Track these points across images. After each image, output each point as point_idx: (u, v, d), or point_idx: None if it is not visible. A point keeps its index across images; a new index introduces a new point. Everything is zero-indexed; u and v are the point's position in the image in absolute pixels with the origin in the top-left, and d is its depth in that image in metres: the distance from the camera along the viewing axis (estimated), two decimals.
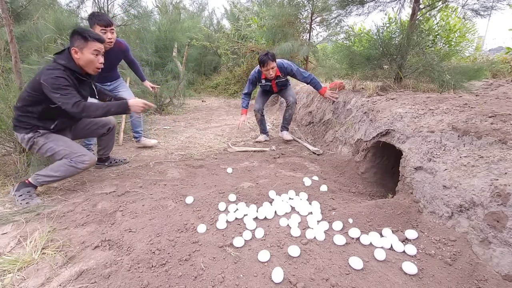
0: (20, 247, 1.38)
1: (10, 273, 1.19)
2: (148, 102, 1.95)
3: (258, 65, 3.03)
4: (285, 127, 3.48)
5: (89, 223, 1.59)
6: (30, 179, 1.87)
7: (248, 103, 3.32)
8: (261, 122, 3.47)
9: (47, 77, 1.68)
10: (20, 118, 1.84)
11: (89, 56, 1.80)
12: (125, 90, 2.83)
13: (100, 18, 2.30)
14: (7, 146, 2.41)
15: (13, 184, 2.03)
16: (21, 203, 1.78)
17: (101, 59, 1.88)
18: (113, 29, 2.41)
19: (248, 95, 3.30)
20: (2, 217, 1.63)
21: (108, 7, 3.76)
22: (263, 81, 3.21)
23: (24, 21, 4.27)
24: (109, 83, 2.75)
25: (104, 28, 2.32)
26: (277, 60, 3.03)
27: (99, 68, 1.89)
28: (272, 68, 2.94)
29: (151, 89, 3.25)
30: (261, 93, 3.44)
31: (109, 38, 2.37)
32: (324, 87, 3.10)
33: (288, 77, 3.27)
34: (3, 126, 2.17)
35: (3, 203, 1.83)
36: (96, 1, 3.70)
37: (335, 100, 3.09)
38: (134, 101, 1.95)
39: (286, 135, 3.40)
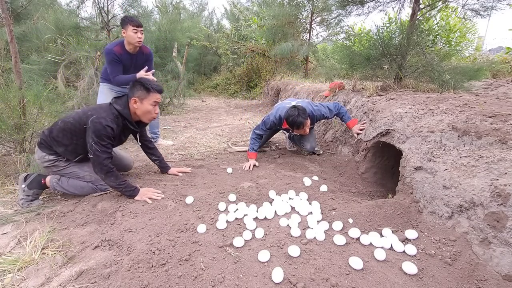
0: (20, 247, 1.38)
1: (10, 273, 1.19)
2: (157, 194, 1.85)
3: (280, 116, 2.53)
4: (292, 139, 3.08)
5: (89, 223, 1.59)
6: (47, 181, 1.85)
7: (259, 147, 2.74)
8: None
9: (98, 120, 1.69)
10: (47, 140, 1.81)
11: (148, 107, 1.83)
12: None
13: (132, 19, 2.57)
14: (7, 146, 2.41)
15: (12, 182, 2.03)
16: (22, 204, 1.76)
17: (157, 109, 1.92)
18: (142, 31, 2.64)
19: (260, 137, 2.69)
20: (2, 217, 1.63)
21: (108, 7, 3.76)
22: (283, 128, 2.71)
23: (24, 21, 4.27)
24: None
25: (135, 28, 2.55)
26: (306, 106, 2.52)
27: (154, 118, 1.92)
28: (308, 125, 2.45)
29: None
30: (273, 132, 2.99)
31: (139, 37, 2.59)
32: (354, 120, 2.57)
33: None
34: (3, 126, 2.17)
35: (3, 203, 1.82)
36: (96, 1, 3.70)
37: (360, 133, 2.50)
38: (143, 191, 1.85)
39: (290, 147, 3.15)
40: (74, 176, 1.87)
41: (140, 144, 2.15)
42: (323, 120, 3.27)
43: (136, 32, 2.57)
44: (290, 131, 2.76)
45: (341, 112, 2.61)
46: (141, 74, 2.59)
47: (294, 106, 2.44)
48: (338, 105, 2.64)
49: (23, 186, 1.78)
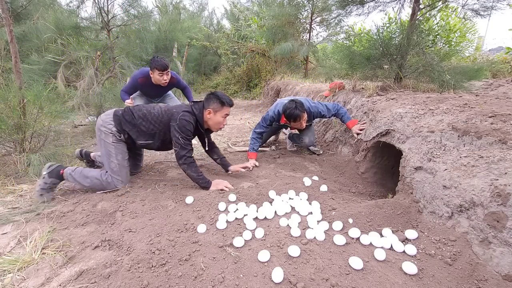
0: (20, 247, 1.38)
1: (10, 273, 1.19)
2: (228, 185, 1.98)
3: (279, 111, 2.58)
4: (292, 139, 3.10)
5: (89, 223, 1.59)
6: (64, 172, 1.93)
7: (259, 146, 2.72)
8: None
9: (184, 118, 1.92)
10: (119, 117, 1.98)
11: (219, 119, 2.03)
12: (171, 98, 3.30)
13: (158, 63, 2.73)
14: (7, 146, 2.41)
15: (12, 182, 2.03)
16: (37, 191, 1.84)
17: (226, 121, 2.11)
18: (169, 72, 2.85)
19: (261, 136, 2.68)
20: (2, 217, 1.63)
21: (108, 7, 3.76)
22: (281, 123, 2.72)
23: (24, 21, 4.27)
24: (158, 99, 3.24)
25: (161, 72, 2.76)
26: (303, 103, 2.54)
27: (221, 128, 2.13)
28: (305, 119, 2.48)
29: None
30: (273, 129, 2.96)
31: (164, 80, 2.82)
32: (353, 121, 2.56)
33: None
34: (3, 126, 2.17)
35: (3, 203, 1.82)
36: (96, 1, 3.70)
37: (360, 133, 2.49)
38: (216, 183, 1.99)
39: (290, 147, 3.16)
40: (105, 155, 1.97)
41: (206, 149, 2.31)
42: (323, 119, 3.27)
43: (162, 75, 2.78)
44: (289, 128, 2.81)
45: (340, 112, 2.61)
46: (127, 103, 2.89)
47: (292, 100, 2.49)
48: (337, 105, 2.64)
49: (45, 173, 1.87)
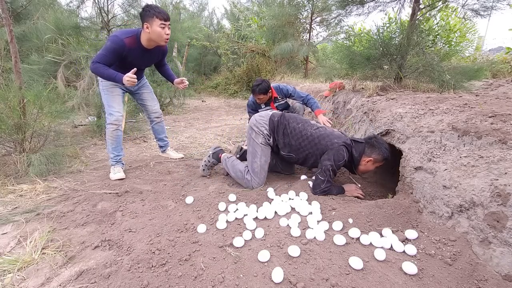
0: (20, 247, 1.38)
1: (10, 273, 1.19)
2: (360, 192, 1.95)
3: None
4: None
5: (89, 223, 1.59)
6: (222, 156, 2.22)
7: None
8: None
9: (341, 151, 1.85)
10: (274, 123, 2.03)
11: (370, 168, 1.92)
12: (148, 92, 2.60)
13: (159, 10, 2.02)
14: (7, 146, 2.41)
15: (12, 182, 2.03)
16: (201, 166, 2.26)
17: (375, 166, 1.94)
18: (170, 25, 2.13)
19: (254, 111, 3.21)
20: (2, 217, 1.63)
21: (108, 7, 3.76)
22: (263, 106, 3.20)
23: (24, 21, 4.27)
24: (138, 81, 2.40)
25: (163, 23, 2.03)
26: (273, 84, 3.16)
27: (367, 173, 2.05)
28: (259, 98, 3.03)
29: (181, 86, 2.52)
30: None
31: (167, 34, 2.09)
32: (320, 110, 2.92)
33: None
34: (3, 126, 2.17)
35: (3, 203, 1.82)
36: (96, 1, 3.70)
37: (329, 125, 2.71)
38: (350, 189, 1.96)
39: None
40: (251, 157, 2.02)
41: None
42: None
43: (163, 28, 2.04)
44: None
45: (310, 101, 2.99)
46: (126, 77, 1.97)
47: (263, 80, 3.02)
48: (309, 95, 3.04)
49: (211, 152, 2.26)
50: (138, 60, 2.20)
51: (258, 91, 2.96)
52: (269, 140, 2.02)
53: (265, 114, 2.09)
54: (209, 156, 2.25)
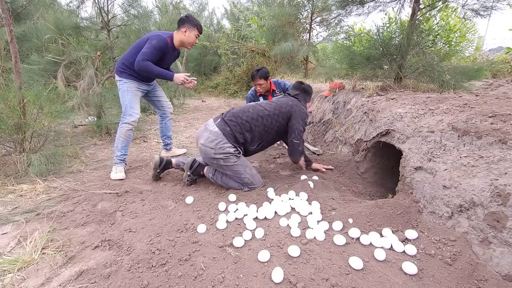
0: (20, 247, 1.38)
1: (10, 273, 1.19)
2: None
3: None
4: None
5: (89, 223, 1.59)
6: (205, 171, 2.05)
7: None
8: None
9: (303, 110, 2.05)
10: (240, 130, 1.91)
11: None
12: (160, 90, 2.77)
13: (200, 24, 2.42)
14: (7, 146, 2.41)
15: (12, 182, 2.03)
16: (185, 181, 2.08)
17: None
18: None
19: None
20: (2, 217, 1.63)
21: (108, 7, 3.76)
22: (261, 99, 3.25)
23: (24, 21, 4.27)
24: (152, 83, 2.63)
25: (198, 34, 2.42)
26: (272, 79, 3.22)
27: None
28: (259, 84, 3.02)
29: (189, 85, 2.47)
30: None
31: (195, 43, 2.45)
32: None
33: None
34: (3, 126, 2.17)
35: (3, 203, 1.83)
36: (96, 1, 3.70)
37: None
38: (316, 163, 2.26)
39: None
40: (234, 175, 1.90)
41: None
42: (323, 120, 3.36)
43: (196, 38, 2.43)
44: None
45: None
46: (182, 76, 2.29)
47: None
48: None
49: (189, 172, 2.04)
50: (169, 58, 2.46)
51: (259, 76, 2.98)
52: (239, 151, 1.92)
53: (212, 137, 1.87)
54: (189, 175, 2.05)
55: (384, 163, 2.39)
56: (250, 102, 3.31)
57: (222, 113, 2.00)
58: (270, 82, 3.14)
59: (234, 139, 1.89)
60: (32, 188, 2.01)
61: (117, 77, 2.41)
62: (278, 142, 3.42)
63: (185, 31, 2.33)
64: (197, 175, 2.09)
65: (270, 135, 2.01)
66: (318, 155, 2.88)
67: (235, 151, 1.89)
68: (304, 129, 2.02)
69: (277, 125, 2.00)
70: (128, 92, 2.37)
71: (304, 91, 2.21)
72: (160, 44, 2.25)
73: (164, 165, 2.16)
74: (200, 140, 1.92)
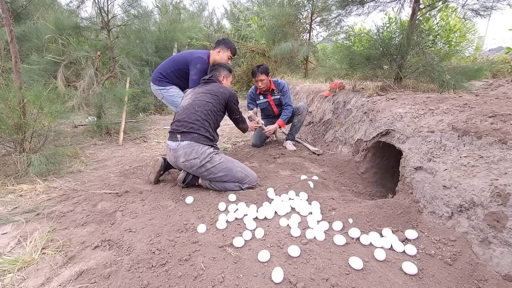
0: (20, 247, 1.38)
1: (10, 273, 1.19)
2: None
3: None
4: (291, 135, 3.26)
5: (89, 223, 1.59)
6: (200, 183, 2.00)
7: (255, 107, 3.29)
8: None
9: (233, 95, 2.18)
10: (203, 130, 1.95)
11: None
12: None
13: (234, 47, 2.69)
14: (7, 146, 2.41)
15: (12, 182, 2.03)
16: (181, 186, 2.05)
17: None
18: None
19: (251, 106, 3.32)
20: (2, 217, 1.63)
21: (108, 7, 3.76)
22: (261, 98, 3.24)
23: (24, 21, 4.27)
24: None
25: (231, 56, 2.69)
26: (272, 78, 3.21)
27: None
28: (261, 80, 3.03)
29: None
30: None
31: (228, 63, 2.68)
32: (282, 123, 3.13)
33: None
34: (3, 126, 2.17)
35: (3, 203, 1.82)
36: (96, 1, 3.69)
37: (268, 135, 3.20)
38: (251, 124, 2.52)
39: (290, 146, 3.16)
40: (225, 173, 1.90)
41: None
42: (323, 120, 3.35)
43: (229, 59, 2.69)
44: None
45: (286, 113, 3.13)
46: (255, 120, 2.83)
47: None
48: (290, 107, 3.15)
49: (182, 185, 2.02)
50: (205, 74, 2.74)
51: (260, 71, 2.99)
52: (217, 147, 2.00)
53: (182, 148, 1.88)
54: (182, 187, 2.04)
55: (384, 163, 2.39)
56: (250, 101, 3.31)
57: (172, 130, 2.00)
58: (270, 81, 3.12)
59: (205, 139, 1.94)
60: (32, 188, 2.01)
61: (156, 87, 2.72)
62: (275, 138, 3.56)
63: (219, 52, 2.62)
64: (191, 185, 2.05)
65: (218, 120, 2.14)
66: (318, 155, 2.88)
67: (214, 149, 1.95)
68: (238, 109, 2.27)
69: (217, 107, 2.10)
70: (176, 96, 2.71)
71: (214, 70, 2.35)
72: (204, 66, 2.59)
73: (167, 166, 2.19)
74: (180, 160, 1.91)
